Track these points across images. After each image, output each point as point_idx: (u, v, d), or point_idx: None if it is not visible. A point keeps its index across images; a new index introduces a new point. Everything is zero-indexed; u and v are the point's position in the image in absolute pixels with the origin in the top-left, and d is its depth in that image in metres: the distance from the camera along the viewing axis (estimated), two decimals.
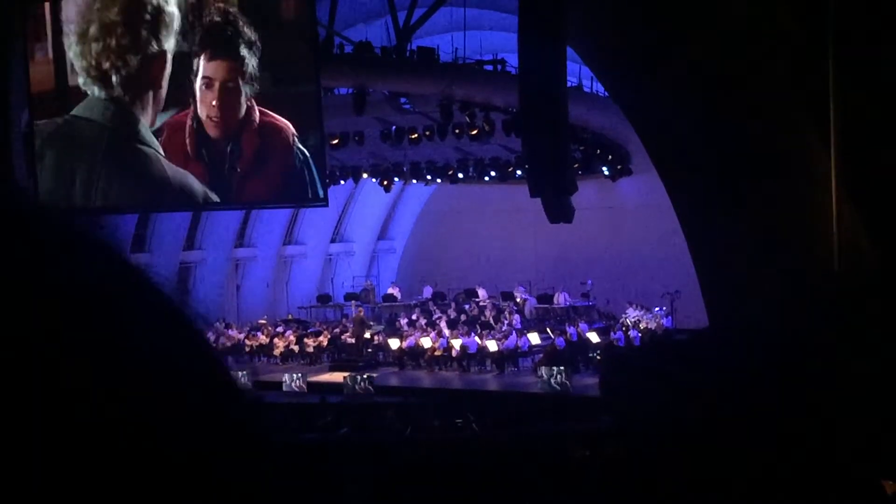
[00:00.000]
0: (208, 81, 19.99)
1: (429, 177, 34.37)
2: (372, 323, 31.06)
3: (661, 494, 1.54)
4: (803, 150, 13.43)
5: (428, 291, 34.29)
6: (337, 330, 30.18)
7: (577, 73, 24.25)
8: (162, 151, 20.46)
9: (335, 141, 27.68)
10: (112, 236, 0.81)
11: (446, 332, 28.16)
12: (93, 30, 20.06)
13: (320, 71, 20.08)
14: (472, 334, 27.57)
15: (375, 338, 29.34)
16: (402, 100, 25.26)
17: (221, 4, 19.67)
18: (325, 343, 29.61)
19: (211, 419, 0.75)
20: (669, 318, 28.53)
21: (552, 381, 23.95)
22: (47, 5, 20.91)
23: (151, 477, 0.67)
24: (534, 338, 27.37)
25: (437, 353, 27.46)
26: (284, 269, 37.35)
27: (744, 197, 14.54)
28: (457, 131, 26.61)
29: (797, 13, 12.83)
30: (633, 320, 28.68)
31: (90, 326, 0.73)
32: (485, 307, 31.25)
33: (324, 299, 35.20)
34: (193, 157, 20.43)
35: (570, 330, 26.91)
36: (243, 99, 19.96)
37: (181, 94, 20.26)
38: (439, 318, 30.04)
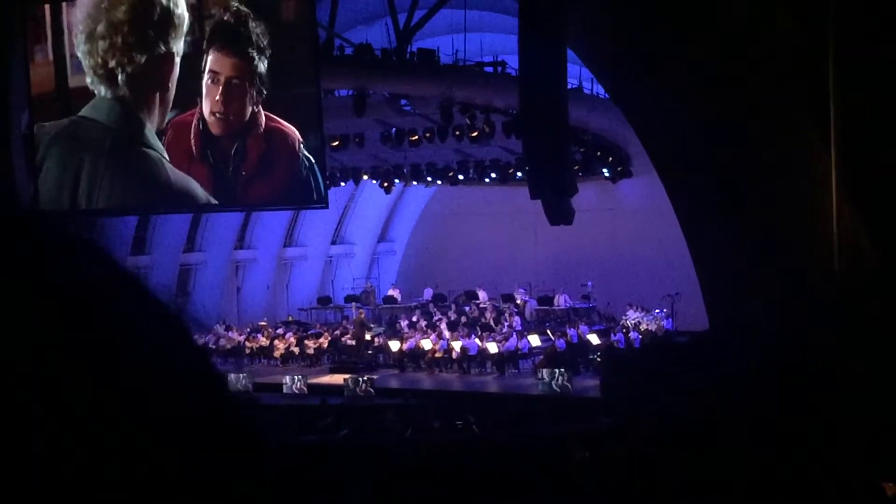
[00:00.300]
0: (214, 75, 19.98)
1: (429, 178, 34.36)
2: (373, 325, 31.05)
3: (661, 496, 1.54)
4: (803, 150, 13.43)
5: (428, 293, 34.28)
6: (337, 332, 30.17)
7: (578, 74, 24.25)
8: (166, 155, 20.46)
9: (335, 143, 27.67)
10: (103, 240, 0.82)
11: (447, 333, 28.15)
12: (100, 28, 20.06)
13: (321, 73, 20.06)
14: (473, 336, 27.56)
15: (376, 340, 29.33)
16: (403, 101, 25.26)
17: (234, 4, 19.65)
18: (326, 345, 29.59)
19: (204, 418, 0.75)
20: (670, 319, 28.52)
21: (552, 382, 23.94)
22: (48, 7, 20.93)
23: (148, 476, 0.67)
24: (534, 340, 27.36)
25: (438, 354, 27.45)
26: (285, 271, 37.34)
27: (744, 198, 14.54)
28: (457, 133, 26.60)
29: (797, 13, 12.83)
30: (633, 322, 28.67)
31: (88, 328, 0.73)
32: (485, 309, 31.24)
33: (324, 301, 35.19)
34: (198, 158, 20.41)
35: (571, 332, 26.90)
36: (249, 99, 19.92)
37: (189, 97, 20.25)
38: (440, 319, 30.04)
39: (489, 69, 24.75)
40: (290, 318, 33.81)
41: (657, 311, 28.86)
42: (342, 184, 34.11)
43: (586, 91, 26.77)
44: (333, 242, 38.90)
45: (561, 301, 31.59)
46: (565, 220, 15.99)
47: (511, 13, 21.69)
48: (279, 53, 19.83)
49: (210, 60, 19.94)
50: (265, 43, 19.60)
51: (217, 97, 20.02)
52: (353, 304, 33.49)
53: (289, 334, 30.60)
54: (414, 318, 30.75)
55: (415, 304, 33.66)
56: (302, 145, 19.95)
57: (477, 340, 27.18)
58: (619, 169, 31.90)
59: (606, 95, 22.68)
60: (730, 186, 14.61)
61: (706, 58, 14.11)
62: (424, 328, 29.34)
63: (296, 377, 26.48)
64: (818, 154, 12.69)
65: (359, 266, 39.03)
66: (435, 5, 23.25)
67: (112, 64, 20.15)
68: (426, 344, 27.67)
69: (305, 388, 26.01)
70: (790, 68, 13.21)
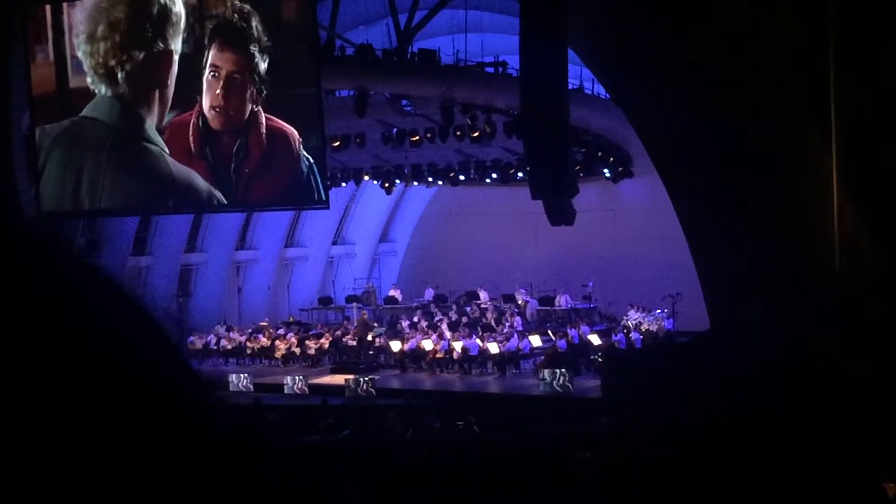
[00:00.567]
0: (215, 70, 20.02)
1: (430, 179, 34.35)
2: (375, 325, 31.05)
3: (662, 496, 1.54)
4: (804, 150, 13.42)
5: (429, 294, 34.26)
6: (338, 332, 30.17)
7: (578, 75, 24.24)
8: (167, 149, 20.49)
9: (336, 143, 27.67)
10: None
11: (448, 334, 28.14)
12: (100, 28, 20.13)
13: (321, 73, 20.08)
14: (474, 336, 27.56)
15: (377, 340, 29.33)
16: (404, 102, 25.27)
17: (236, 2, 19.70)
18: (327, 345, 29.60)
19: (185, 420, 0.75)
20: (671, 320, 28.51)
21: (553, 383, 23.94)
22: (48, 7, 20.94)
23: (143, 475, 0.67)
24: (535, 340, 27.36)
25: (439, 355, 27.45)
26: (286, 272, 37.33)
27: (745, 198, 14.53)
28: (458, 133, 26.59)
29: (797, 13, 12.83)
30: (634, 322, 28.66)
31: (82, 330, 0.73)
32: (486, 309, 31.24)
33: (325, 301, 35.18)
34: (197, 156, 20.44)
35: (572, 332, 26.89)
36: (249, 96, 19.96)
37: (188, 96, 20.28)
38: (441, 320, 30.03)
39: (490, 69, 24.74)
40: (292, 319, 33.82)
41: (658, 311, 28.85)
42: (343, 184, 34.10)
43: (587, 91, 26.76)
44: (334, 243, 38.89)
45: (562, 301, 31.58)
46: (566, 220, 15.99)
47: (512, 13, 21.69)
48: (280, 53, 19.86)
49: (211, 56, 20.01)
50: (266, 41, 19.63)
51: (218, 91, 20.07)
52: (355, 304, 33.50)
53: (290, 335, 30.61)
54: (415, 319, 30.75)
55: (416, 304, 33.65)
56: (302, 146, 19.97)
57: (478, 341, 27.17)
58: (619, 169, 31.89)
59: (607, 96, 22.68)
60: (731, 186, 14.61)
61: (707, 58, 14.11)
62: (425, 328, 29.33)
63: (297, 377, 26.49)
64: (819, 154, 12.69)
65: (360, 266, 39.02)
66: (436, 6, 23.24)
67: (112, 63, 20.20)
68: (427, 344, 27.66)
69: (306, 389, 26.02)
70: (791, 68, 13.21)
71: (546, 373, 24.33)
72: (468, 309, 31.44)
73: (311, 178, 20.08)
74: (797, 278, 13.27)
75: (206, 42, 20.00)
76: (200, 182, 20.51)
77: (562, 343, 26.21)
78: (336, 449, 11.65)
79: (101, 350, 0.76)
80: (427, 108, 25.54)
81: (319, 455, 10.37)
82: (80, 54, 20.52)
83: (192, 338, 30.93)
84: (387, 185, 34.27)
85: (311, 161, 20.02)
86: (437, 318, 30.41)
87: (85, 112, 20.80)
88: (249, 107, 20.01)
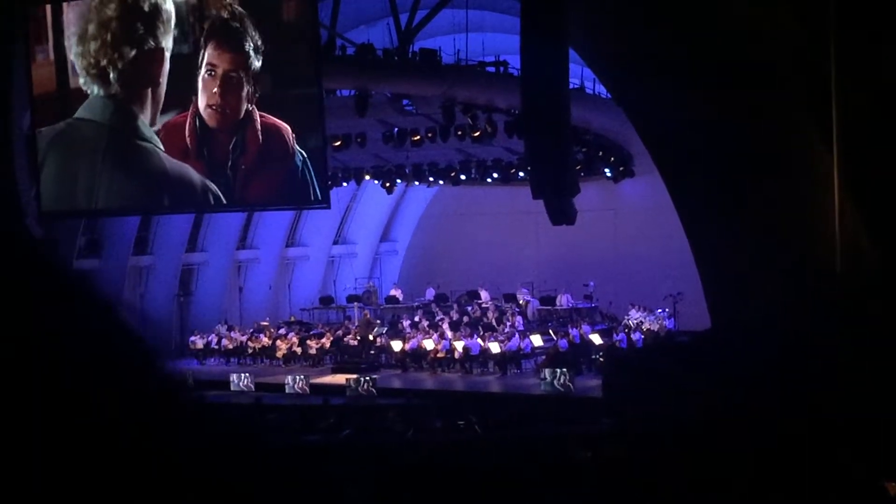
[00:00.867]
0: (211, 69, 20.06)
1: (431, 178, 34.34)
2: (378, 322, 31.06)
3: (662, 495, 1.54)
4: (804, 150, 13.42)
5: (430, 293, 34.26)
6: (339, 332, 30.18)
7: (579, 74, 24.24)
8: (161, 146, 20.52)
9: (337, 143, 27.66)
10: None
11: (449, 333, 28.15)
12: (91, 28, 20.18)
13: (322, 73, 20.08)
14: (475, 336, 27.57)
15: (378, 340, 29.34)
16: (405, 101, 25.26)
17: (228, 2, 19.75)
18: (328, 345, 29.62)
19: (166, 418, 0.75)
20: (672, 319, 28.52)
21: (555, 382, 23.94)
22: (48, 7, 20.95)
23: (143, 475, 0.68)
24: (536, 339, 27.37)
25: (440, 354, 27.46)
26: (287, 271, 37.34)
27: (745, 198, 14.53)
28: (459, 133, 26.58)
29: (797, 13, 12.82)
30: (635, 322, 28.67)
31: (81, 332, 0.74)
32: (487, 309, 31.24)
33: (326, 301, 35.18)
34: (194, 155, 20.47)
35: (573, 332, 26.90)
36: (245, 95, 19.99)
37: (183, 97, 20.30)
38: (442, 319, 30.04)
39: (491, 69, 24.73)
40: (293, 318, 33.84)
41: (659, 310, 28.86)
42: (344, 184, 34.11)
43: (588, 91, 26.76)
44: (335, 242, 38.89)
45: (563, 301, 31.58)
46: (567, 220, 15.98)
47: (513, 13, 21.71)
48: (281, 53, 19.88)
49: (207, 55, 20.05)
50: (261, 42, 19.68)
51: (214, 90, 20.10)
52: (356, 304, 33.50)
53: (291, 334, 30.63)
54: (416, 318, 30.77)
55: (417, 303, 33.65)
56: (296, 141, 20.00)
57: (479, 340, 27.18)
58: (620, 169, 31.89)
59: (608, 95, 22.67)
60: (731, 186, 14.61)
61: (707, 58, 14.10)
62: (427, 328, 29.34)
63: (298, 377, 26.51)
64: (819, 154, 12.68)
65: (361, 266, 39.02)
66: (437, 5, 23.23)
67: (104, 62, 20.25)
68: (428, 344, 27.67)
69: (307, 388, 26.04)
70: (791, 68, 13.20)
71: (547, 372, 24.33)
72: (469, 308, 31.44)
73: (307, 174, 20.09)
74: (797, 278, 13.27)
75: (201, 42, 20.04)
76: (195, 177, 20.52)
77: (563, 343, 26.21)
78: (337, 449, 11.65)
79: (74, 352, 0.76)
80: (428, 107, 25.54)
81: (320, 455, 10.37)
82: (72, 56, 20.55)
83: (193, 337, 30.98)
84: (388, 184, 34.27)
85: (305, 156, 20.04)
86: (438, 318, 30.43)
87: (78, 114, 20.83)
88: (245, 105, 20.05)
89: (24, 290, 0.76)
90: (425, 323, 29.94)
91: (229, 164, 20.36)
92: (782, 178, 13.82)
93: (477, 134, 26.24)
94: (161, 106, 20.48)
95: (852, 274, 12.02)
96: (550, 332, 28.00)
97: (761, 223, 14.37)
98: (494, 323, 29.36)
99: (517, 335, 27.31)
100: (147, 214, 29.06)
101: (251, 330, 31.54)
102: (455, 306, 32.03)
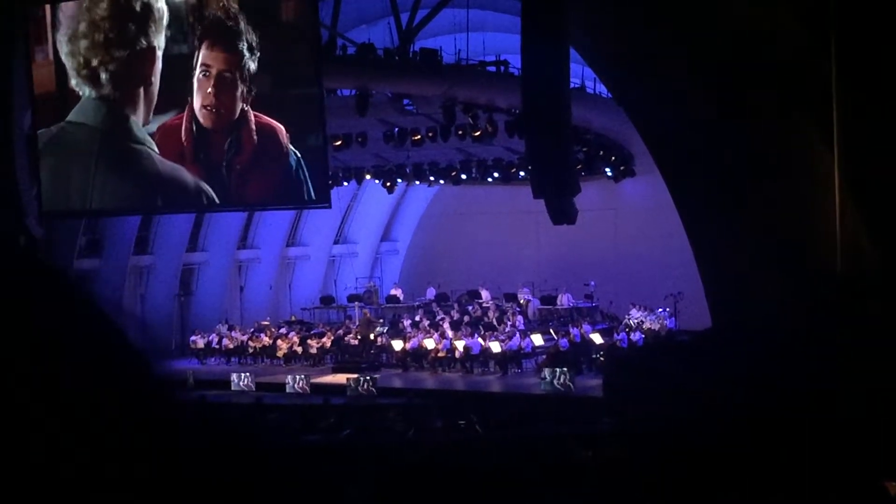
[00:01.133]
0: (206, 69, 20.05)
1: (432, 178, 34.35)
2: (379, 321, 31.05)
3: (662, 496, 1.54)
4: (805, 150, 13.42)
5: (431, 293, 34.27)
6: (340, 331, 30.19)
7: (580, 74, 24.24)
8: (156, 148, 20.51)
9: (338, 142, 27.67)
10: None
11: (449, 333, 28.15)
12: (81, 28, 20.15)
13: (323, 72, 20.08)
14: (476, 335, 27.57)
15: (379, 339, 29.34)
16: (405, 101, 25.26)
17: (224, 2, 19.73)
18: (329, 344, 29.62)
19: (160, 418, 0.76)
20: (672, 319, 28.51)
21: (555, 382, 23.95)
22: (48, 7, 20.94)
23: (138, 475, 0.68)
24: (537, 339, 27.37)
25: (441, 354, 27.45)
26: (287, 271, 37.35)
27: (746, 197, 14.54)
28: (460, 132, 26.58)
29: (798, 13, 12.83)
30: (636, 321, 28.67)
31: (81, 332, 0.74)
32: (488, 308, 31.24)
33: (327, 301, 35.19)
34: (190, 156, 20.47)
35: (574, 331, 26.91)
36: (239, 95, 19.99)
37: (177, 97, 20.30)
38: (442, 319, 30.03)
39: (492, 69, 24.74)
40: (293, 318, 33.85)
41: (660, 310, 28.86)
42: (345, 183, 34.13)
43: (589, 90, 26.76)
44: (336, 242, 38.90)
45: (564, 300, 31.58)
46: (568, 219, 15.98)
47: (513, 12, 21.68)
48: (281, 53, 19.88)
49: (202, 56, 20.04)
50: (256, 41, 19.67)
51: (209, 90, 20.10)
52: (356, 303, 33.51)
53: (291, 334, 30.63)
54: (417, 318, 30.76)
55: (418, 303, 33.66)
56: (290, 141, 20.01)
57: (480, 340, 27.19)
58: (621, 168, 31.90)
59: (609, 95, 22.67)
60: (732, 186, 14.61)
61: (707, 58, 14.10)
62: (427, 328, 29.34)
63: (298, 377, 26.51)
64: (820, 154, 12.69)
65: (361, 265, 39.03)
66: (437, 5, 23.22)
67: (94, 63, 20.23)
68: (429, 343, 27.67)
69: (308, 388, 26.04)
70: (791, 68, 13.21)
71: (548, 372, 24.34)
72: (470, 308, 31.44)
73: (301, 173, 20.10)
74: (798, 278, 13.27)
75: (196, 42, 20.03)
76: (189, 178, 20.51)
77: (564, 342, 26.21)
78: (337, 448, 11.65)
79: (69, 354, 0.76)
80: (429, 107, 25.54)
81: (321, 454, 10.37)
82: (63, 57, 20.54)
83: (194, 337, 30.98)
84: (388, 184, 34.29)
85: (299, 156, 20.05)
86: (438, 317, 30.42)
87: (70, 117, 20.82)
88: (240, 105, 20.05)
89: (16, 291, 0.76)
90: (426, 322, 29.93)
91: (224, 164, 20.36)
92: (782, 178, 13.83)
93: (477, 133, 26.25)
94: (154, 105, 20.47)
95: (852, 274, 12.03)
96: (551, 331, 28.00)
97: (761, 223, 14.38)
98: (495, 322, 29.36)
99: (518, 335, 27.31)
100: (139, 215, 29.04)
101: (252, 329, 31.55)
102: (456, 306, 32.04)
